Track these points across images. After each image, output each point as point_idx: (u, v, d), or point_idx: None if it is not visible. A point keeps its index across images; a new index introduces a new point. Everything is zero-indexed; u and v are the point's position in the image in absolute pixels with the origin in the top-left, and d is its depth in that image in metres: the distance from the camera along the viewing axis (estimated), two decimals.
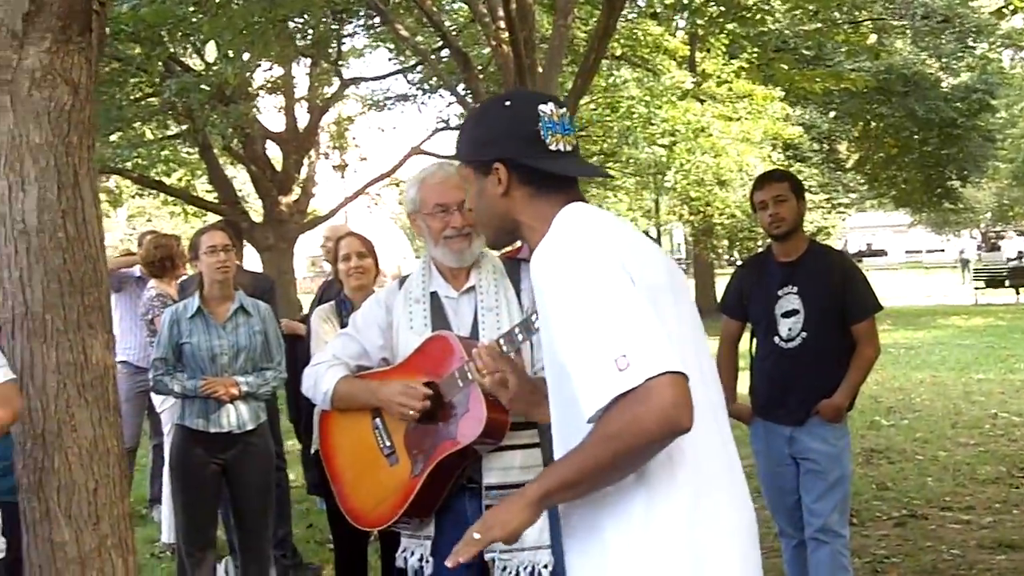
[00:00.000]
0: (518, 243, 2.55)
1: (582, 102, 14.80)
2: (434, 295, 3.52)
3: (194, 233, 5.61)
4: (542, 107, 2.31)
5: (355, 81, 15.63)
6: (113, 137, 13.46)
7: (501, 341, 3.06)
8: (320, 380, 3.55)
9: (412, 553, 3.46)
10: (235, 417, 5.15)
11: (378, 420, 3.43)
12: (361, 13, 14.49)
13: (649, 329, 1.97)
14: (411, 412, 3.28)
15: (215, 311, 5.19)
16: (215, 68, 11.94)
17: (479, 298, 3.48)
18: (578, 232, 2.16)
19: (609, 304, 2.00)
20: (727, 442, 2.25)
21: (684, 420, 1.93)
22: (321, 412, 3.73)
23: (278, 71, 15.07)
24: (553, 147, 2.29)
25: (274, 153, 16.30)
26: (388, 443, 3.43)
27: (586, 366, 1.99)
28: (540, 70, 11.34)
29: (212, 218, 14.63)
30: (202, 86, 11.83)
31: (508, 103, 2.39)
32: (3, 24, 3.49)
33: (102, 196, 21.78)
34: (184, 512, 5.25)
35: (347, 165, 17.37)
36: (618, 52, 16.71)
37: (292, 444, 7.26)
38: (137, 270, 7.90)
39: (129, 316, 8.05)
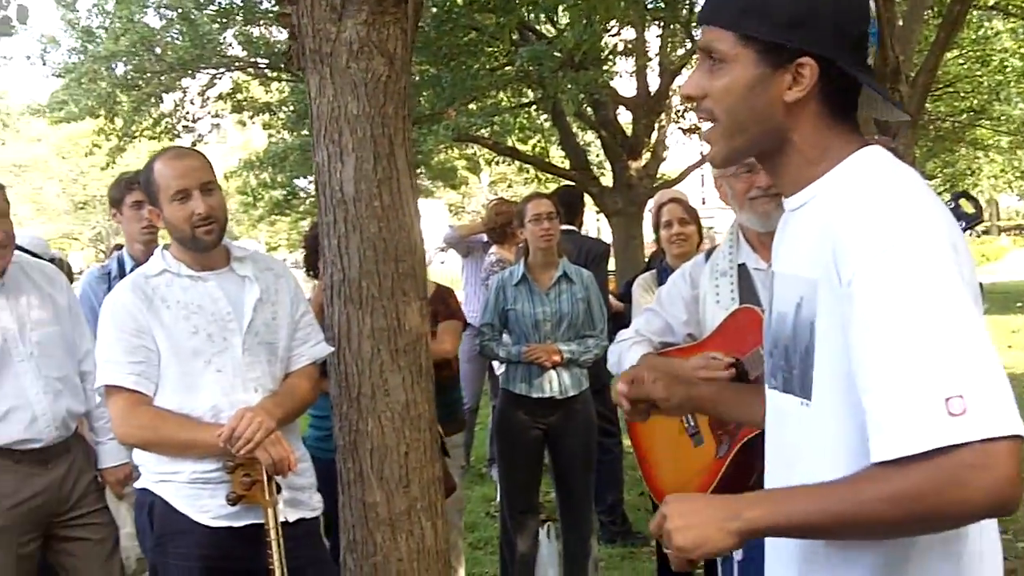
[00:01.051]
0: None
1: (948, 56, 13.82)
2: (742, 267, 3.33)
3: (522, 200, 5.64)
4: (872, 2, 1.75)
5: None
6: (471, 106, 13.86)
7: None
8: (623, 357, 3.45)
9: None
10: (557, 383, 5.15)
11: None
12: None
13: (991, 366, 1.49)
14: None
15: (539, 278, 5.21)
16: (566, 34, 12.02)
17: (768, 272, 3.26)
18: (908, 200, 1.62)
19: (948, 319, 1.51)
20: None
21: (1015, 500, 1.48)
22: None
23: (629, 35, 15.01)
24: (869, 61, 1.76)
25: (625, 118, 16.31)
26: (692, 423, 3.29)
27: (902, 394, 1.49)
28: (900, 23, 10.67)
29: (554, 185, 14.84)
30: (554, 53, 11.94)
31: None
32: None
33: (462, 163, 22.68)
34: (507, 475, 5.33)
35: (698, 129, 17.07)
36: (990, 2, 15.48)
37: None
38: (484, 236, 8.10)
39: (474, 280, 8.28)
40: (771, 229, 3.26)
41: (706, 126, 1.82)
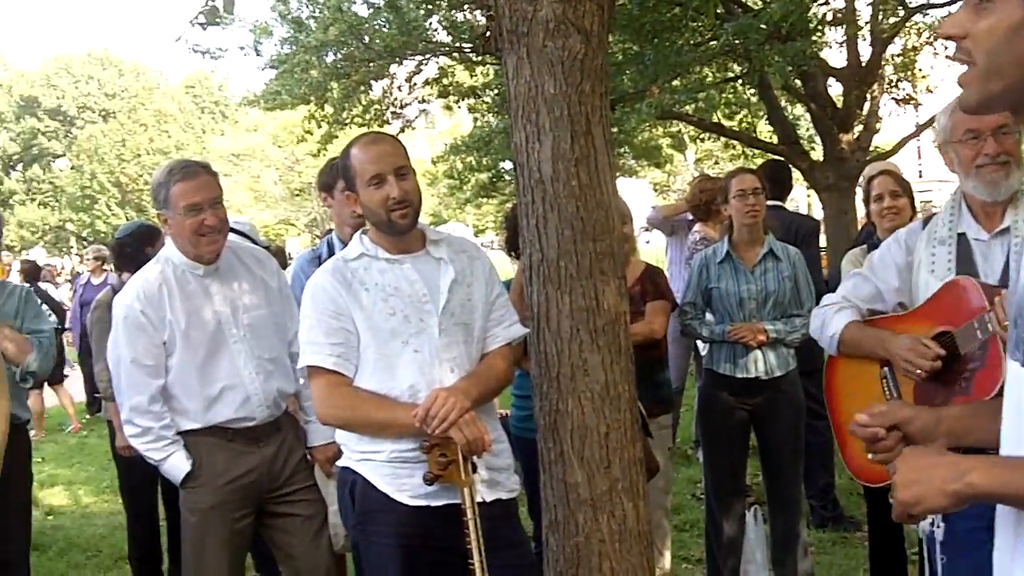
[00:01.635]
0: None
1: None
2: (962, 236, 3.19)
3: (725, 176, 5.53)
4: None
5: (920, 9, 14.66)
6: (675, 83, 13.68)
7: None
8: (828, 322, 3.35)
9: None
10: (763, 363, 5.04)
11: (887, 369, 3.15)
12: None
13: None
14: (919, 372, 2.98)
15: (744, 256, 5.10)
16: (772, 6, 11.71)
17: (1013, 241, 3.08)
18: None
19: None
20: None
21: None
22: (828, 357, 3.52)
23: (838, 3, 14.51)
24: None
25: (835, 90, 15.79)
26: (895, 395, 3.14)
27: None
28: None
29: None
30: (760, 25, 11.65)
31: None
32: None
33: (666, 141, 22.43)
34: (712, 457, 5.25)
35: (913, 99, 16.39)
36: None
37: None
38: (689, 214, 8.00)
39: (678, 259, 8.20)
40: (998, 199, 3.11)
41: (961, 70, 1.69)
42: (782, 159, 11.82)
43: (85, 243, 51.61)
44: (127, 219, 38.07)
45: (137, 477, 5.66)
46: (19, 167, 57.75)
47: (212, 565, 4.02)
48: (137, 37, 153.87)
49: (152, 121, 52.03)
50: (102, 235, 46.10)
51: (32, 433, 11.54)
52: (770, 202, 6.73)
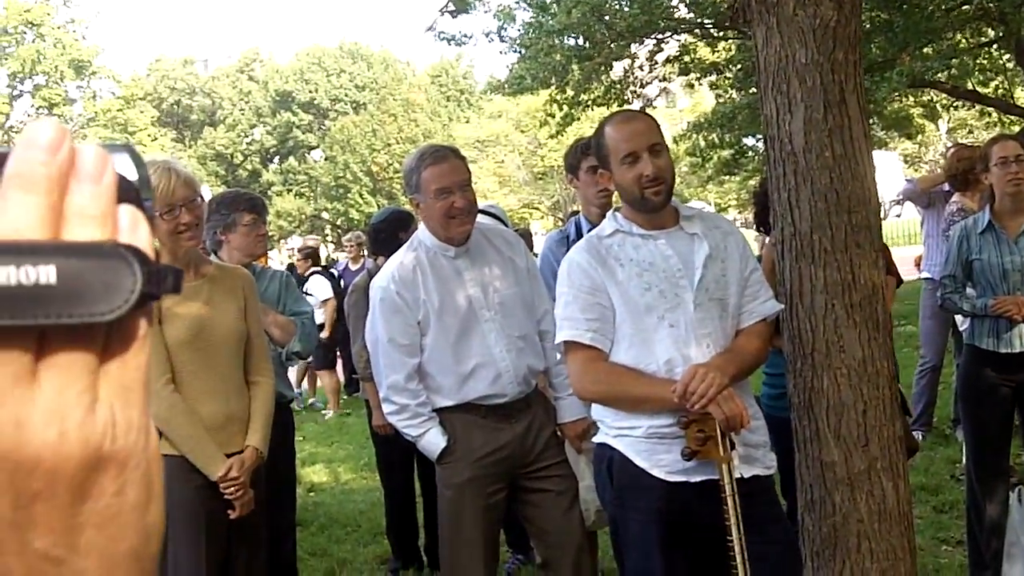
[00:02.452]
0: None
1: None
2: None
3: (985, 143, 5.25)
4: None
5: None
6: (926, 50, 13.12)
7: None
8: None
9: None
10: None
11: None
12: None
13: None
14: None
15: (1007, 225, 4.84)
16: None
17: None
18: None
19: None
20: None
21: None
22: None
23: None
24: None
25: None
26: None
27: None
28: None
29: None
30: None
31: None
32: None
33: (917, 111, 21.48)
34: (974, 436, 5.02)
35: None
36: None
37: None
38: (946, 185, 7.68)
39: (935, 232, 7.88)
40: None
41: None
42: None
43: (339, 231, 53.85)
44: (379, 207, 39.46)
45: (394, 454, 5.86)
46: (276, 159, 60.58)
47: (468, 538, 4.12)
48: (385, 28, 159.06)
49: (400, 111, 53.59)
50: (355, 223, 47.92)
51: (327, 415, 12.20)
52: None
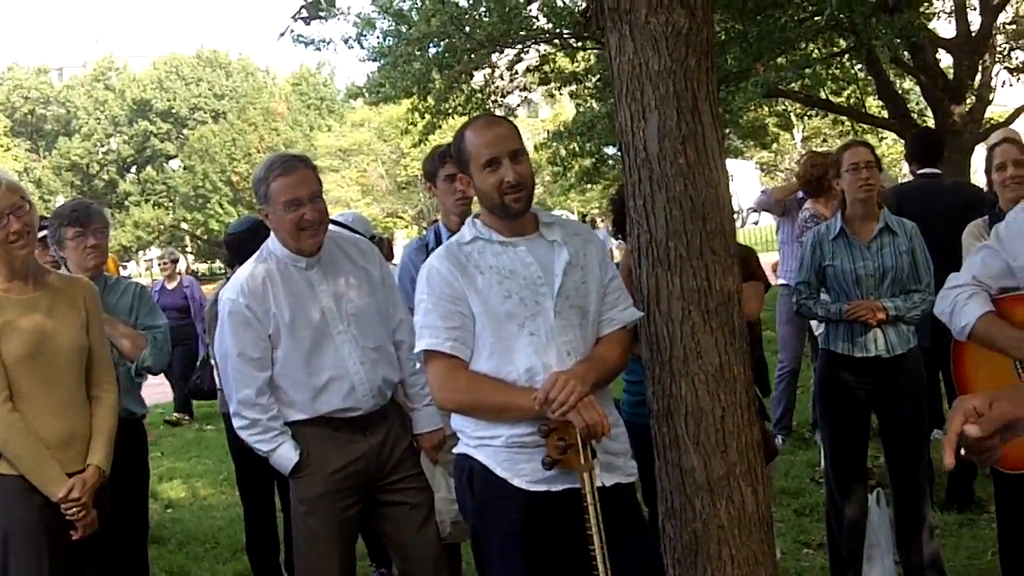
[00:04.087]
0: None
1: None
2: None
3: (837, 149, 5.36)
4: None
5: None
6: (780, 60, 13.43)
7: None
8: (958, 312, 3.20)
9: None
10: (883, 341, 4.87)
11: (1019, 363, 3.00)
12: None
13: None
14: None
15: (859, 231, 4.93)
16: None
17: None
18: None
19: None
20: None
21: None
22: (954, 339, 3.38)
23: None
24: None
25: (946, 61, 15.34)
26: None
27: None
28: None
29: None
30: None
31: None
32: None
33: (772, 120, 22.04)
34: (832, 440, 5.10)
35: None
36: None
37: None
38: (800, 193, 7.84)
39: (790, 239, 8.04)
40: None
41: None
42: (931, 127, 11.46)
43: (199, 242, 52.80)
44: (238, 216, 38.85)
45: (253, 469, 5.71)
46: (133, 169, 59.26)
47: (322, 553, 4.03)
48: (244, 36, 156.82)
49: (261, 120, 52.94)
50: (215, 233, 47.12)
51: None
52: (926, 169, 6.56)
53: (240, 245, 5.42)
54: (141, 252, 55.58)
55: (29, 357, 3.69)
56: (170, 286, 12.48)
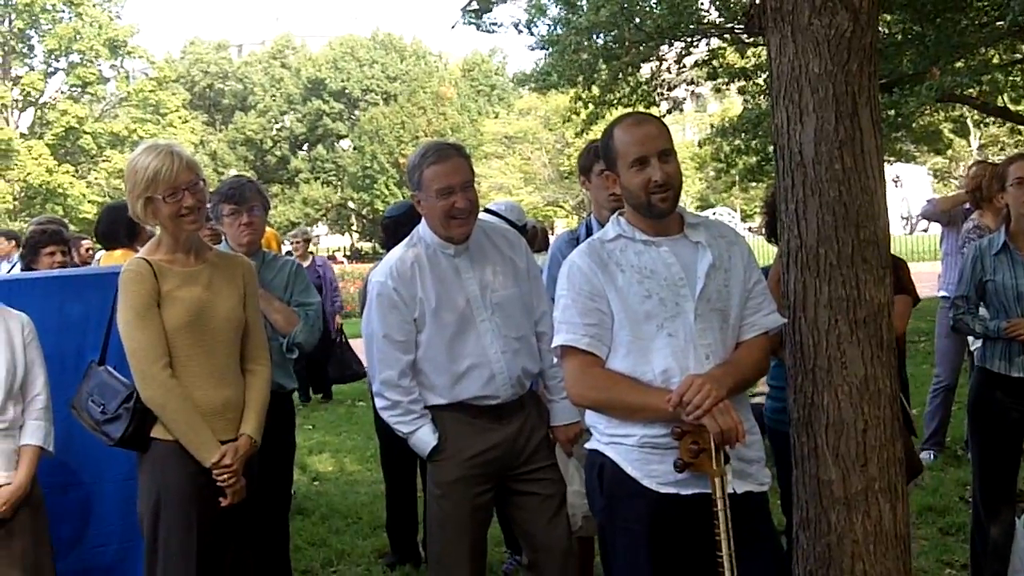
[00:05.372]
0: None
1: None
2: None
3: (1003, 161, 5.16)
4: None
5: None
6: (957, 64, 12.98)
7: None
8: None
9: None
10: None
11: None
12: None
13: None
14: None
15: (1023, 247, 4.74)
16: None
17: None
18: None
19: None
20: None
21: None
22: None
23: None
24: None
25: None
26: None
27: None
28: None
29: None
30: None
31: None
32: None
33: (948, 125, 21.32)
34: (982, 459, 4.93)
35: None
36: None
37: None
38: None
39: (953, 250, 7.78)
40: None
41: None
42: None
43: (364, 221, 53.94)
44: (403, 197, 39.66)
45: (397, 449, 5.80)
46: (305, 147, 60.78)
47: (454, 537, 4.09)
48: (418, 20, 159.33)
49: (430, 104, 53.71)
50: (380, 213, 48.08)
51: None
52: None
53: (395, 228, 5.53)
54: (311, 228, 57.16)
55: (188, 326, 3.82)
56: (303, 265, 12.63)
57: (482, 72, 59.81)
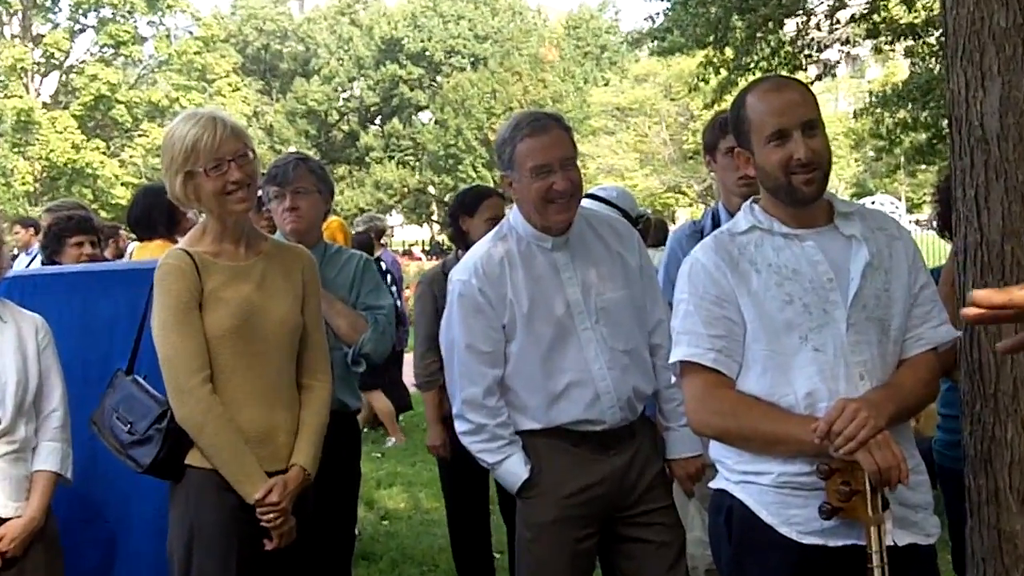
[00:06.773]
0: None
1: None
2: None
3: None
4: None
5: None
6: None
7: None
8: None
9: None
10: None
11: None
12: None
13: None
14: None
15: None
16: None
17: None
18: None
19: None
20: None
21: None
22: None
23: None
24: None
25: None
26: None
27: None
28: None
29: None
30: None
31: None
32: None
33: None
34: None
35: None
36: None
37: None
38: None
39: None
40: None
41: None
42: None
43: (446, 208, 54.26)
44: (494, 182, 39.83)
45: (463, 478, 5.78)
46: (378, 120, 61.45)
47: None
48: None
49: (527, 69, 53.95)
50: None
51: (390, 443, 11.87)
52: None
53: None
54: (384, 217, 57.68)
55: (235, 332, 3.80)
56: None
57: (590, 30, 59.96)
